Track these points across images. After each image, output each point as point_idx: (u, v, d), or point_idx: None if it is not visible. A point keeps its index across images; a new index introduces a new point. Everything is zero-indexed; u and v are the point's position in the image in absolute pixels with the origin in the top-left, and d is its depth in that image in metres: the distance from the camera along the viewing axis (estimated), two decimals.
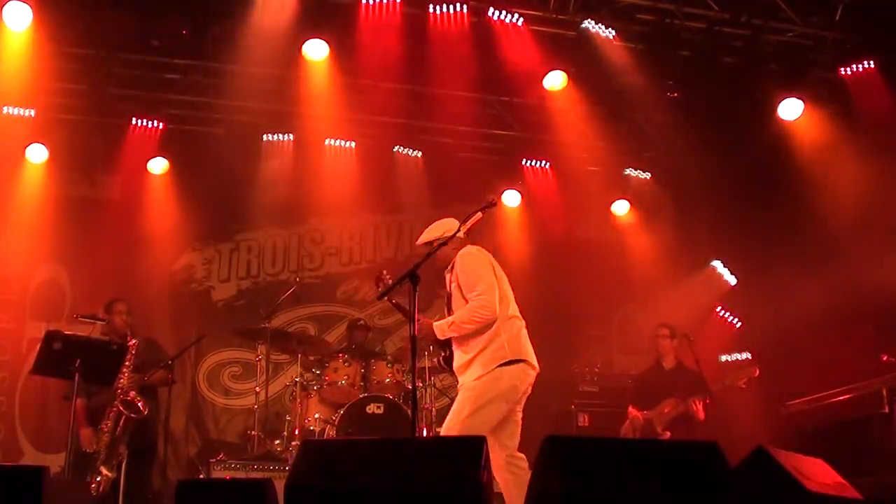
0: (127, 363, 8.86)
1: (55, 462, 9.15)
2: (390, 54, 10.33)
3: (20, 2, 9.72)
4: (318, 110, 11.30)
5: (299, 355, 10.06)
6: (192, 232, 12.15)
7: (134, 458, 8.86)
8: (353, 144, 12.28)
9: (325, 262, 12.70)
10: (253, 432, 9.85)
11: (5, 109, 11.25)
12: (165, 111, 11.71)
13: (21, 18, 9.86)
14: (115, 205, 11.99)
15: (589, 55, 10.40)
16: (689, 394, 9.70)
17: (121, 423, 8.77)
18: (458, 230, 7.21)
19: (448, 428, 6.73)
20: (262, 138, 12.13)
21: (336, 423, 9.24)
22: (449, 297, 7.35)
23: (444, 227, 7.39)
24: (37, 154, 11.60)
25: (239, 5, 9.88)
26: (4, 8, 9.78)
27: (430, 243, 7.30)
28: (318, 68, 10.73)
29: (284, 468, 8.66)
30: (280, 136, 12.15)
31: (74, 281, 11.89)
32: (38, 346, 8.69)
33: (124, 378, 8.85)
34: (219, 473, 8.87)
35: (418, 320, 6.57)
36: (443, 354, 7.35)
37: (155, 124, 11.68)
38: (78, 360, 8.31)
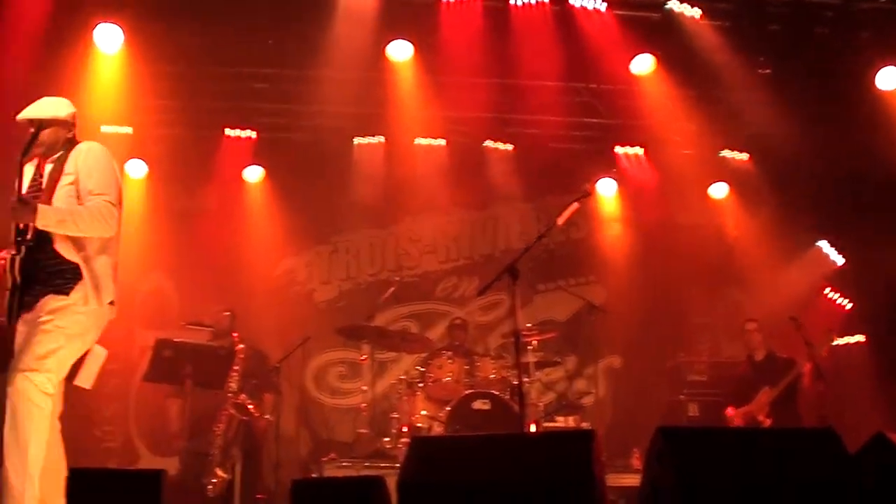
0: (235, 367, 9.04)
1: (171, 465, 9.35)
2: (474, 49, 10.34)
3: (111, 24, 10.00)
4: (406, 110, 11.33)
5: (403, 353, 10.13)
6: (291, 236, 12.31)
7: (247, 460, 9.05)
8: (444, 142, 12.34)
9: (422, 261, 12.77)
10: (362, 431, 9.97)
11: (103, 128, 11.55)
12: (257, 120, 11.90)
13: (113, 40, 10.14)
14: (213, 214, 12.20)
15: (675, 36, 10.29)
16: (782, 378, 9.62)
17: (233, 426, 8.96)
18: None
19: None
20: (352, 141, 12.25)
21: (443, 420, 9.28)
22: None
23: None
24: (136, 169, 11.96)
25: (321, 11, 9.98)
26: (95, 30, 10.05)
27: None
28: (403, 69, 10.80)
29: (394, 466, 8.72)
30: (370, 138, 12.27)
31: (181, 289, 12.16)
32: (148, 354, 8.93)
33: (234, 382, 9.04)
34: (331, 472, 8.99)
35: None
36: None
37: (248, 134, 11.90)
38: (188, 366, 8.51)
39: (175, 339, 8.89)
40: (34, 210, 5.42)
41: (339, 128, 12.00)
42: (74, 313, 5.55)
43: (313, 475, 9.75)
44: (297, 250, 12.58)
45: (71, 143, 5.87)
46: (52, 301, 5.48)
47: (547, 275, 12.47)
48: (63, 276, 5.56)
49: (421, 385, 9.76)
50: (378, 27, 10.13)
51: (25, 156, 5.68)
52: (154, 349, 8.73)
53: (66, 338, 5.53)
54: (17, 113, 9.60)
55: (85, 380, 7.89)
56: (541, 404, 10.03)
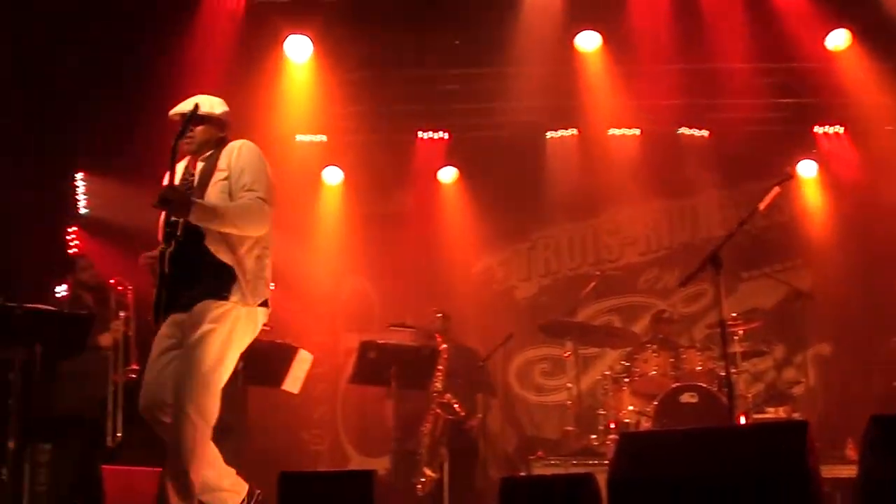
0: (440, 367, 9.09)
1: (379, 465, 9.49)
2: (663, 35, 10.17)
3: (301, 35, 10.21)
4: (597, 101, 11.21)
5: (607, 348, 10.03)
6: (488, 235, 12.32)
7: (455, 459, 9.09)
8: (638, 131, 12.16)
9: (623, 253, 12.58)
10: (569, 428, 9.90)
11: (298, 137, 11.85)
12: (449, 121, 11.98)
13: (302, 50, 10.36)
14: (410, 216, 12.33)
15: (870, 7, 9.90)
16: None
17: (439, 425, 9.02)
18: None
19: None
20: (545, 136, 12.20)
21: (651, 414, 9.13)
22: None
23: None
24: (332, 176, 12.22)
25: (507, 8, 9.97)
26: (286, 42, 10.28)
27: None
28: (592, 59, 10.70)
29: (603, 462, 8.63)
30: (563, 131, 12.19)
31: (381, 292, 12.33)
32: (353, 357, 9.05)
33: (439, 381, 9.09)
34: (539, 470, 8.95)
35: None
36: None
37: (440, 135, 11.98)
38: (393, 367, 8.60)
39: (379, 341, 8.98)
40: (190, 204, 5.33)
41: (530, 123, 11.96)
42: (235, 318, 5.49)
43: (521, 473, 9.73)
44: (494, 248, 12.58)
45: (222, 142, 5.80)
46: (212, 307, 5.42)
47: (751, 262, 12.12)
48: (218, 278, 5.47)
49: (626, 380, 9.61)
50: (565, 18, 10.07)
51: (176, 151, 5.56)
52: (358, 351, 8.84)
53: (230, 345, 5.50)
54: None
55: (292, 384, 8.09)
56: (749, 395, 9.76)
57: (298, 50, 10.46)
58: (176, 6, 9.76)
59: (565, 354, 10.40)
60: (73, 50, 9.13)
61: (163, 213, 5.61)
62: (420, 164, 12.18)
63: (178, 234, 5.47)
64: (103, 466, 7.09)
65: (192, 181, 5.66)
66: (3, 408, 8.03)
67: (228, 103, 10.14)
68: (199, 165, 5.71)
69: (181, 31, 9.84)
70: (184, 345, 5.41)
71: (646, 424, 9.16)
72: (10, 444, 7.90)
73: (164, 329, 5.53)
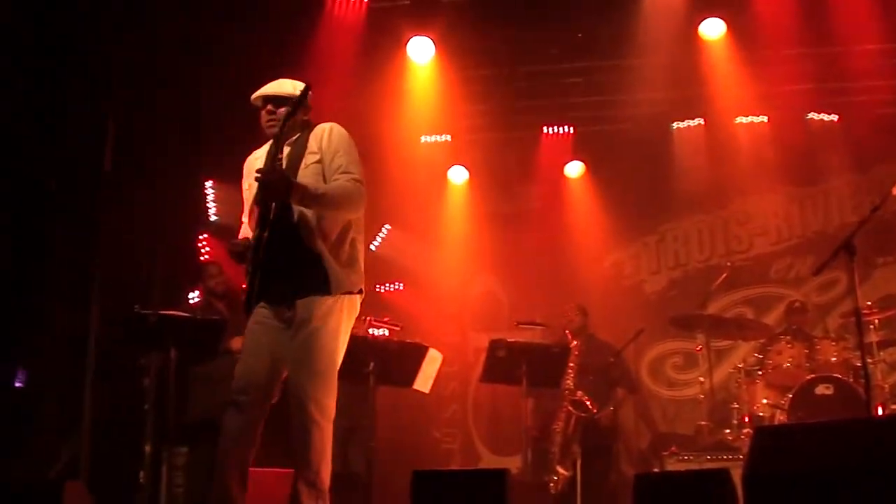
0: (570, 364, 9.07)
1: (511, 464, 9.49)
2: (788, 19, 9.97)
3: (423, 36, 10.29)
4: (723, 89, 11.04)
5: (739, 340, 9.91)
6: (617, 229, 12.23)
7: (588, 456, 9.06)
8: (765, 118, 11.95)
9: (753, 244, 12.34)
10: (702, 422, 9.79)
11: (423, 138, 11.95)
12: (573, 115, 11.90)
13: (424, 51, 10.43)
14: (536, 213, 12.32)
15: None
16: None
17: (571, 423, 9.00)
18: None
19: None
20: (671, 127, 12.08)
21: (785, 407, 8.96)
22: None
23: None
24: (458, 175, 12.26)
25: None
26: (409, 44, 10.36)
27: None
28: (716, 47, 10.55)
29: (738, 457, 8.49)
30: (689, 121, 12.05)
31: (509, 290, 12.35)
32: (482, 356, 9.07)
33: (570, 379, 9.07)
34: (672, 466, 8.86)
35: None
36: None
37: (565, 129, 11.93)
38: (523, 365, 8.59)
39: (508, 339, 8.99)
40: (290, 186, 5.23)
41: (656, 114, 11.83)
42: (339, 311, 5.43)
43: (655, 469, 9.66)
44: (623, 242, 12.48)
45: (307, 125, 5.66)
46: (317, 303, 5.36)
47: (885, 247, 11.79)
48: (316, 268, 5.37)
49: (760, 372, 9.47)
50: (688, 7, 9.98)
51: (280, 138, 5.49)
52: (488, 350, 8.85)
53: (340, 339, 5.46)
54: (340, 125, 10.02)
55: (423, 383, 8.13)
56: (886, 386, 9.50)
57: (421, 51, 10.55)
58: (298, 14, 9.91)
59: (697, 348, 10.29)
60: (204, 60, 9.32)
61: (250, 199, 5.62)
62: (546, 159, 12.14)
63: (273, 219, 5.38)
64: None
65: (281, 165, 5.56)
66: (139, 413, 8.25)
67: (353, 107, 10.37)
68: (286, 150, 5.62)
69: (304, 38, 9.99)
70: (293, 343, 5.38)
71: (780, 417, 8.99)
72: (147, 448, 8.11)
73: (260, 317, 5.50)
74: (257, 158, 5.77)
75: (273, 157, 5.55)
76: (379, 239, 12.33)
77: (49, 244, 9.42)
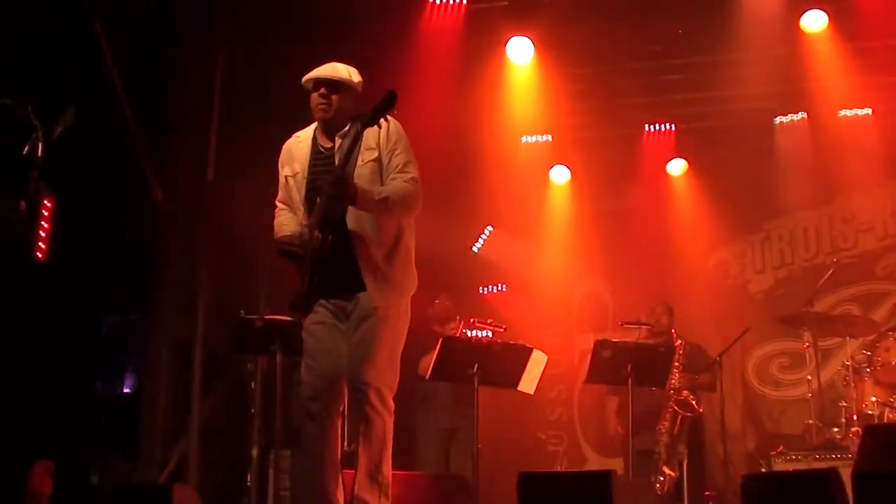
0: (676, 363, 9.00)
1: (617, 465, 9.46)
2: (892, 8, 9.79)
3: (522, 36, 10.29)
4: (826, 82, 10.85)
5: (847, 338, 9.74)
6: (720, 227, 12.08)
7: (693, 456, 9.01)
8: (870, 111, 11.71)
9: (859, 240, 12.09)
10: (810, 421, 9.65)
11: (524, 139, 11.97)
12: (675, 112, 11.81)
13: (524, 51, 10.43)
14: (639, 212, 12.23)
15: None
16: None
17: (677, 423, 8.94)
18: None
19: None
20: (773, 121, 11.91)
21: (895, 405, 8.82)
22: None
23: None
24: (560, 175, 12.23)
25: None
26: (508, 44, 10.38)
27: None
28: (819, 39, 10.39)
29: (847, 456, 8.36)
30: (792, 115, 11.87)
31: (614, 290, 12.29)
32: (588, 357, 9.04)
33: (675, 378, 9.01)
34: (780, 466, 8.77)
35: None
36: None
37: (667, 127, 11.85)
38: (628, 365, 8.56)
39: (613, 340, 8.96)
40: (355, 192, 5.15)
41: (758, 109, 11.66)
42: (398, 307, 5.43)
43: (762, 469, 9.55)
44: (727, 241, 12.32)
45: (359, 117, 5.37)
46: (377, 298, 5.32)
47: None
48: (376, 270, 5.32)
49: (868, 370, 9.29)
50: (789, 0, 9.87)
51: (359, 135, 5.33)
52: (593, 351, 8.82)
53: (398, 334, 5.44)
54: (440, 131, 10.10)
55: (527, 385, 8.13)
56: None
57: (520, 51, 10.54)
58: (396, 19, 9.99)
59: (804, 346, 10.15)
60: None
61: (294, 185, 5.58)
62: (648, 157, 12.05)
63: (335, 219, 5.29)
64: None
65: (332, 159, 5.47)
66: (247, 417, 8.38)
67: (453, 110, 10.42)
68: (338, 141, 5.50)
69: (404, 42, 10.08)
70: (354, 337, 5.36)
71: (890, 416, 8.83)
72: (254, 452, 8.23)
73: (320, 317, 5.47)
74: (300, 141, 5.70)
75: (318, 149, 5.54)
76: (482, 240, 12.37)
77: (157, 252, 9.62)
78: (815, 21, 10.14)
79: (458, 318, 9.05)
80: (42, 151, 5.65)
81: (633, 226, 12.03)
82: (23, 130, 5.71)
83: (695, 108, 11.81)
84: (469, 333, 8.62)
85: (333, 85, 5.48)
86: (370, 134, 5.36)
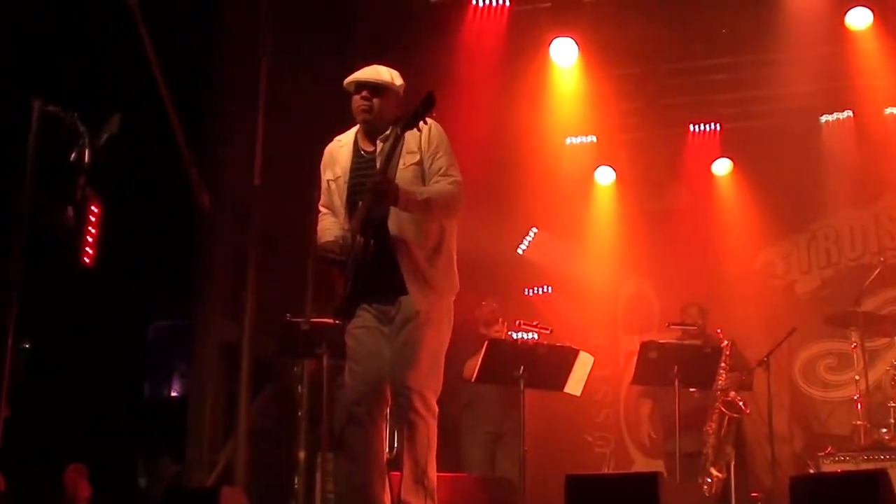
0: (723, 364, 8.96)
1: (662, 467, 9.42)
2: None
3: (566, 38, 10.29)
4: (872, 80, 10.77)
5: (894, 338, 9.66)
6: (766, 227, 11.98)
7: (739, 458, 8.97)
8: None
9: None
10: (858, 422, 9.56)
11: (568, 140, 11.95)
12: (720, 112, 11.76)
13: (568, 53, 10.43)
14: (685, 212, 12.16)
15: None
16: None
17: (724, 424, 8.90)
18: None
19: None
20: (819, 120, 11.82)
21: None
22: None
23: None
24: (604, 176, 12.18)
25: None
26: (551, 45, 10.38)
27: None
28: (863, 37, 10.32)
29: (895, 457, 8.33)
30: (838, 114, 11.77)
31: (659, 291, 12.22)
32: (633, 359, 9.02)
33: (722, 379, 8.97)
34: (828, 467, 8.70)
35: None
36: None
37: (712, 127, 11.79)
38: (675, 367, 8.53)
39: (660, 341, 8.94)
40: (398, 193, 5.12)
41: (803, 108, 11.58)
42: (441, 310, 5.41)
43: (810, 471, 9.48)
44: (773, 241, 12.21)
45: (400, 120, 5.31)
46: (420, 301, 5.30)
47: None
48: (419, 273, 5.30)
49: None
50: None
51: (399, 138, 5.28)
52: (640, 352, 8.81)
53: (441, 337, 5.42)
54: (484, 133, 10.11)
55: (574, 387, 8.13)
56: None
57: (564, 53, 10.56)
58: (439, 21, 10.03)
59: (851, 347, 10.06)
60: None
61: (336, 189, 5.56)
62: (693, 157, 11.98)
63: (377, 222, 5.28)
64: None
65: (373, 162, 5.45)
66: (293, 420, 8.41)
67: (497, 112, 10.43)
68: (379, 145, 5.47)
69: (447, 44, 10.11)
70: (397, 340, 5.34)
71: None
72: (301, 455, 8.26)
73: (362, 321, 5.46)
74: (342, 145, 5.68)
75: (358, 152, 5.54)
76: (526, 242, 12.35)
77: (203, 257, 9.69)
78: (859, 18, 10.09)
79: (501, 320, 9.04)
80: (89, 158, 5.68)
81: (679, 226, 11.97)
82: (69, 137, 5.76)
83: (740, 107, 11.78)
84: (515, 335, 8.61)
85: (375, 88, 5.46)
86: (411, 137, 5.32)
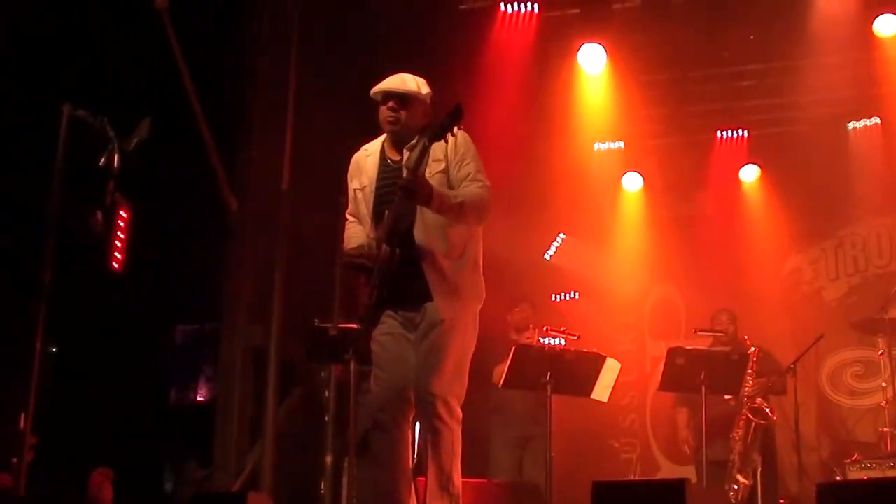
0: (749, 371, 8.93)
1: (690, 474, 9.39)
2: None
3: (594, 44, 10.29)
4: None
5: None
6: (793, 234, 11.96)
7: (765, 465, 8.94)
8: None
9: None
10: (885, 430, 9.51)
11: (596, 146, 11.97)
12: (747, 118, 11.74)
13: (596, 59, 10.45)
14: (712, 219, 12.16)
15: None
16: None
17: (751, 431, 8.87)
18: None
19: None
20: (846, 127, 11.77)
21: None
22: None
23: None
24: (632, 182, 12.19)
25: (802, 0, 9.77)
26: (580, 52, 10.39)
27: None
28: (891, 44, 10.28)
29: None
30: (865, 121, 11.73)
31: (686, 297, 12.20)
32: (660, 364, 9.00)
33: (749, 385, 8.94)
34: (854, 474, 8.65)
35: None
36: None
37: (740, 133, 11.76)
38: (702, 373, 8.50)
39: (687, 347, 8.91)
40: (431, 191, 5.10)
41: (831, 115, 11.58)
42: (467, 317, 5.38)
43: (837, 478, 9.44)
44: (801, 248, 12.18)
45: (426, 129, 5.26)
46: (446, 308, 5.28)
47: None
48: (446, 279, 5.29)
49: None
50: (861, 4, 9.79)
51: (426, 148, 5.21)
52: (667, 358, 8.78)
53: (466, 343, 5.39)
54: (512, 138, 10.11)
55: (601, 393, 8.12)
56: None
57: (592, 59, 10.58)
58: (469, 27, 10.05)
59: (878, 354, 10.00)
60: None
61: (363, 198, 5.56)
62: (720, 164, 11.97)
63: (404, 229, 5.26)
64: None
65: (399, 171, 5.39)
66: (321, 425, 8.42)
67: (525, 117, 10.43)
68: (406, 154, 5.42)
69: (477, 50, 10.14)
70: (422, 346, 5.33)
71: None
72: (328, 460, 8.27)
73: (387, 328, 5.45)
74: (369, 154, 5.67)
75: (385, 161, 5.53)
76: (554, 248, 12.37)
77: (231, 261, 9.72)
78: (887, 26, 10.06)
79: (532, 326, 9.03)
80: (118, 162, 5.71)
81: (706, 232, 11.96)
82: (99, 142, 5.79)
83: (767, 114, 11.76)
84: (542, 341, 8.60)
85: (402, 98, 5.45)
86: (438, 146, 5.28)
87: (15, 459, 5.66)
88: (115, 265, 6.41)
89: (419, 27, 9.69)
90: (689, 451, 9.57)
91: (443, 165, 5.37)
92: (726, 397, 9.04)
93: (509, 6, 10.15)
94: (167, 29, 8.04)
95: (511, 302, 9.48)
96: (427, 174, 5.30)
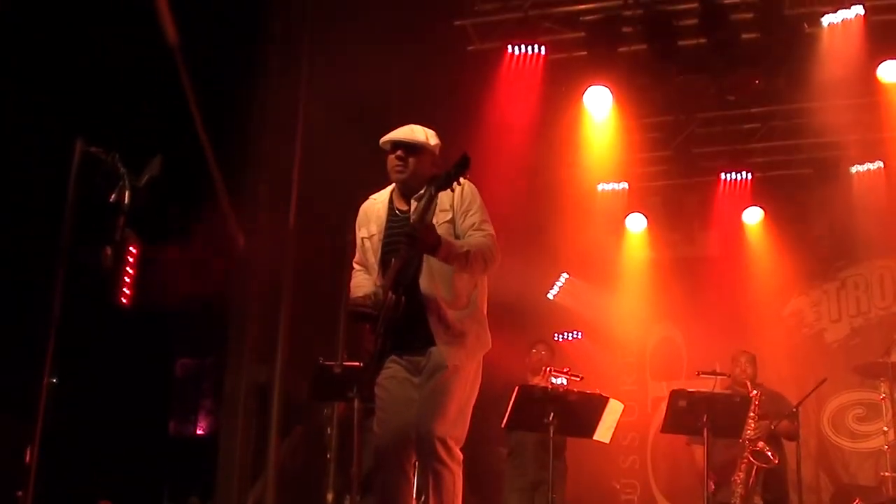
0: (751, 414, 8.93)
1: None
2: None
3: (600, 86, 10.36)
4: None
5: None
6: (796, 276, 12.03)
7: None
8: None
9: None
10: (886, 474, 9.50)
11: (600, 186, 12.02)
12: (751, 161, 11.82)
13: (602, 101, 10.53)
14: (714, 260, 12.23)
15: None
16: None
17: (752, 474, 8.86)
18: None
19: None
20: (850, 170, 11.83)
21: None
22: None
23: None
24: (636, 223, 12.27)
25: (806, 44, 9.80)
26: (586, 93, 10.46)
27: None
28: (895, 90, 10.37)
29: None
30: (868, 164, 11.78)
31: (688, 338, 12.25)
32: (661, 405, 9.02)
33: (751, 428, 8.94)
34: None
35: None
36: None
37: (743, 176, 11.82)
38: (704, 416, 8.50)
39: (689, 390, 8.92)
40: (439, 239, 5.07)
41: (834, 158, 11.64)
42: (471, 363, 5.35)
43: None
44: (803, 290, 12.25)
45: (434, 179, 5.22)
46: (452, 353, 5.24)
47: None
48: (452, 327, 5.25)
49: None
50: (865, 51, 9.82)
51: (433, 198, 5.21)
52: (669, 400, 8.76)
53: (469, 388, 5.35)
54: (517, 178, 10.13)
55: (603, 434, 8.12)
56: None
57: (598, 101, 10.64)
58: (476, 68, 10.12)
59: (880, 397, 10.00)
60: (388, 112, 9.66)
61: (370, 247, 5.54)
62: (724, 205, 12.05)
63: (410, 277, 5.25)
64: None
65: (408, 221, 5.35)
66: (323, 461, 8.42)
67: (531, 155, 10.48)
68: (413, 203, 5.42)
69: (483, 91, 10.20)
70: (425, 388, 5.29)
71: None
72: (330, 497, 8.27)
73: (391, 372, 5.41)
74: (377, 203, 5.67)
75: (393, 212, 5.52)
76: (557, 288, 12.41)
77: (237, 297, 9.75)
78: (891, 71, 10.11)
79: (544, 368, 9.00)
80: (129, 199, 5.74)
81: (709, 274, 12.02)
82: (110, 178, 5.82)
83: (771, 156, 11.85)
84: (553, 381, 8.60)
85: (410, 147, 5.44)
86: (444, 196, 5.29)
87: (20, 493, 5.65)
88: (124, 301, 6.44)
89: (429, 68, 9.72)
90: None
91: (449, 216, 5.38)
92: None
93: (516, 48, 10.20)
94: (178, 66, 8.09)
95: (528, 344, 9.49)
96: (435, 223, 5.29)
